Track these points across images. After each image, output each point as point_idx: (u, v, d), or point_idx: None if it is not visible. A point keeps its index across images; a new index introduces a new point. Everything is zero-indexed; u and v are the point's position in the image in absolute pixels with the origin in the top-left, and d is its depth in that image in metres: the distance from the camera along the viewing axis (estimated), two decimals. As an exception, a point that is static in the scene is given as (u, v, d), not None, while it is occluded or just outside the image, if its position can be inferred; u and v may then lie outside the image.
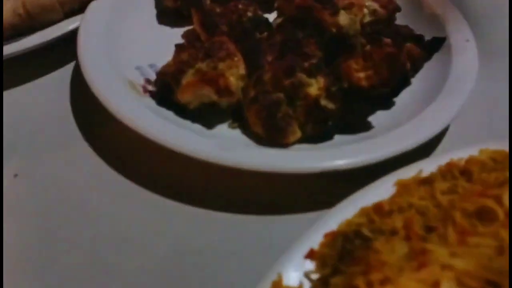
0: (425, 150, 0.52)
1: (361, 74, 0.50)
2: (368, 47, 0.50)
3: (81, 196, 0.49)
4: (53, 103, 0.59)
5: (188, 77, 0.53)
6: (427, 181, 0.43)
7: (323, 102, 0.50)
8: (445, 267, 0.30)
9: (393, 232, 0.38)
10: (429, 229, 0.37)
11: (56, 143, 0.55)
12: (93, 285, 0.42)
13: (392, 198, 0.42)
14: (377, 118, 0.55)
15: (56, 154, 0.53)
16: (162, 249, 0.45)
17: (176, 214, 0.48)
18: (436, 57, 0.61)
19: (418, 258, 0.33)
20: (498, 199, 0.35)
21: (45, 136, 0.56)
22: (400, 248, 0.35)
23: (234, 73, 0.54)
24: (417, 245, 0.34)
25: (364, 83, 0.50)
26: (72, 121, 0.57)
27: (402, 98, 0.57)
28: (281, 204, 0.49)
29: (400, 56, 0.49)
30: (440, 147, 0.56)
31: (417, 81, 0.59)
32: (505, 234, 0.31)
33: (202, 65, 0.53)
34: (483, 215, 0.36)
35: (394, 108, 0.57)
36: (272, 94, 0.51)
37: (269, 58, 0.55)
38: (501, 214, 0.34)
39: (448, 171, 0.44)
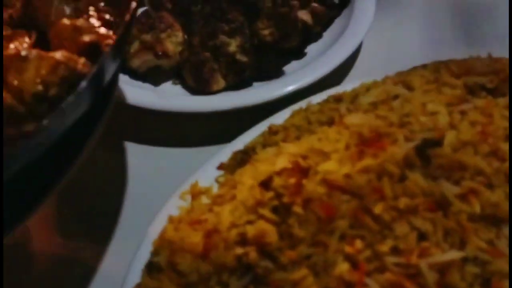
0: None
1: (266, 32, 0.63)
2: (270, 10, 0.63)
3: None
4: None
5: (134, 47, 0.67)
6: (309, 108, 0.57)
7: (238, 56, 0.63)
8: (286, 153, 0.43)
9: (275, 144, 0.52)
10: (298, 137, 0.51)
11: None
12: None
13: (284, 122, 0.56)
14: (291, 67, 0.68)
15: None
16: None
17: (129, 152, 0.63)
18: (344, 13, 0.73)
19: (277, 152, 0.46)
20: (338, 111, 0.48)
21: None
22: (270, 150, 0.49)
23: (173, 41, 0.68)
24: (280, 146, 0.47)
25: (268, 38, 0.63)
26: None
27: (315, 49, 0.70)
28: (202, 139, 0.63)
29: (291, 14, 0.61)
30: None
31: (328, 34, 0.72)
32: (331, 132, 0.44)
33: (146, 36, 0.67)
34: (330, 123, 0.49)
35: (305, 58, 0.69)
36: (200, 54, 0.65)
37: (198, 26, 0.68)
38: (337, 118, 0.47)
39: (326, 99, 0.57)
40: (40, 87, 0.38)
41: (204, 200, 0.51)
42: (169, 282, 0.41)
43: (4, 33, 0.46)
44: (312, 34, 0.68)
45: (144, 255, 0.47)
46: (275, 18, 0.62)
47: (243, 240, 0.39)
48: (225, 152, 0.56)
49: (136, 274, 0.45)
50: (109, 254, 0.53)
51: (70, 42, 0.43)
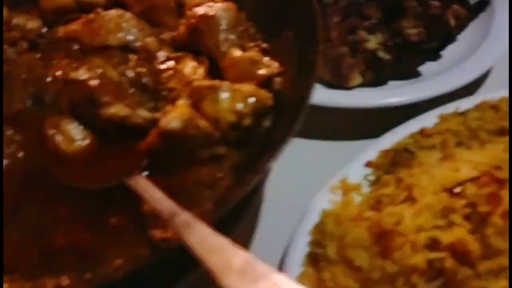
0: (468, 91, 0.64)
1: (413, 31, 0.62)
2: (418, 9, 0.62)
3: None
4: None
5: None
6: (463, 113, 0.55)
7: (380, 54, 0.63)
8: (465, 161, 0.43)
9: (432, 147, 0.51)
10: (459, 144, 0.50)
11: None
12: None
13: (434, 126, 0.55)
14: (426, 68, 0.67)
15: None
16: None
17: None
18: (480, 17, 0.71)
19: (447, 159, 0.46)
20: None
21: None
22: (436, 154, 0.48)
23: (308, 32, 0.68)
24: (448, 152, 0.47)
25: (414, 38, 0.62)
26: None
27: (449, 52, 0.69)
28: (348, 134, 0.63)
29: (444, 16, 0.60)
30: (482, 88, 0.67)
31: (462, 37, 0.70)
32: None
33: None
34: (501, 133, 0.48)
35: (441, 60, 0.68)
36: (337, 48, 0.65)
37: (335, 20, 0.67)
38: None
39: (480, 106, 0.56)
40: (234, 117, 0.41)
41: (355, 196, 0.51)
42: (343, 275, 0.41)
43: (167, 54, 0.50)
44: (452, 36, 0.67)
45: (300, 245, 0.48)
46: (425, 18, 0.61)
47: (433, 245, 0.39)
48: (371, 149, 0.55)
49: (294, 262, 0.46)
50: (259, 241, 0.53)
51: (248, 75, 0.45)
